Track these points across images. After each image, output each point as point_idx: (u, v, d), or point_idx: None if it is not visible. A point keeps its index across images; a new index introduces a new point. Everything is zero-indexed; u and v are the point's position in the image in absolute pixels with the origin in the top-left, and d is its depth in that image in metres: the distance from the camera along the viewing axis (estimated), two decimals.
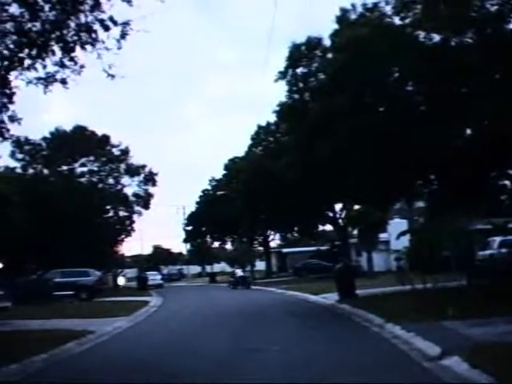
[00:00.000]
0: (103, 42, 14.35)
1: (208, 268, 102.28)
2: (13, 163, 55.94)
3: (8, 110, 15.28)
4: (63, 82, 14.88)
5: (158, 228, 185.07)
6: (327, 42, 24.54)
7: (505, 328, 12.98)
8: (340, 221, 54.07)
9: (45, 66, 14.55)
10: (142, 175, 63.14)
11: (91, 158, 60.54)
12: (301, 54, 24.31)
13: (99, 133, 60.90)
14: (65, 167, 58.88)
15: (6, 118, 15.35)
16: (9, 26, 13.79)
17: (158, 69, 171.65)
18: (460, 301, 17.84)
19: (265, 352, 13.83)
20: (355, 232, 55.21)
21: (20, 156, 56.07)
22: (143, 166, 63.14)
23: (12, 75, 14.69)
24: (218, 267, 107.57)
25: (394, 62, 21.23)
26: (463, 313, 15.44)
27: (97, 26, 14.16)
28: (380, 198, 27.26)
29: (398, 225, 51.84)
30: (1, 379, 11.59)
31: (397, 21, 22.60)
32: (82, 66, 14.84)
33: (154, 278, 67.35)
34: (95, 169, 61.26)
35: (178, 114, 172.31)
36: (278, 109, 26.54)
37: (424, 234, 37.54)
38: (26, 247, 46.92)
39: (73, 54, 14.53)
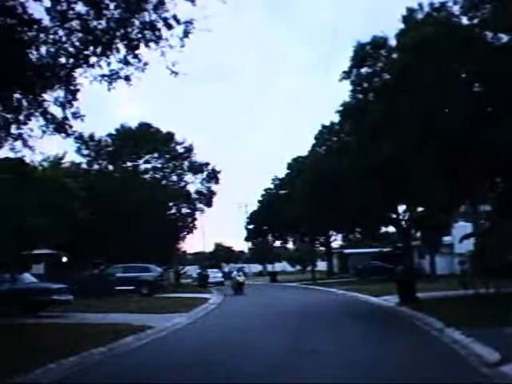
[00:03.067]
0: (167, 40, 14.46)
1: (269, 267, 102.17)
2: (78, 159, 57.29)
3: (72, 107, 15.57)
4: (127, 79, 15.08)
5: (221, 226, 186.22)
6: (393, 42, 24.19)
7: None
8: (403, 223, 53.26)
9: (109, 64, 14.76)
10: (205, 173, 63.58)
11: (155, 155, 61.24)
12: (366, 53, 24.02)
13: (164, 130, 61.70)
14: (129, 163, 59.78)
15: (69, 115, 15.64)
16: (75, 23, 14.02)
17: (229, 69, 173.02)
18: None
19: (321, 353, 13.72)
20: (418, 234, 54.35)
21: (86, 152, 57.32)
22: (206, 164, 63.57)
23: (77, 72, 14.96)
24: (279, 266, 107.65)
25: (461, 63, 20.71)
26: None
27: (160, 25, 14.27)
28: (443, 200, 26.74)
29: (462, 228, 50.83)
30: (59, 372, 11.75)
31: (464, 21, 22.09)
32: (145, 64, 15.00)
33: (214, 275, 67.71)
34: (159, 165, 61.97)
35: (245, 113, 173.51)
36: (340, 108, 26.31)
37: (489, 238, 36.79)
38: (90, 242, 47.77)
39: (137, 52, 14.70)
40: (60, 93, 15.23)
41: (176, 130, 72.08)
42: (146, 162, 61.09)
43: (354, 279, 59.23)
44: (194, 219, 64.31)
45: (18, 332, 17.52)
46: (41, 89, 14.71)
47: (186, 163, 62.80)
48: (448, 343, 14.28)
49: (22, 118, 15.32)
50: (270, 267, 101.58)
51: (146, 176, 60.88)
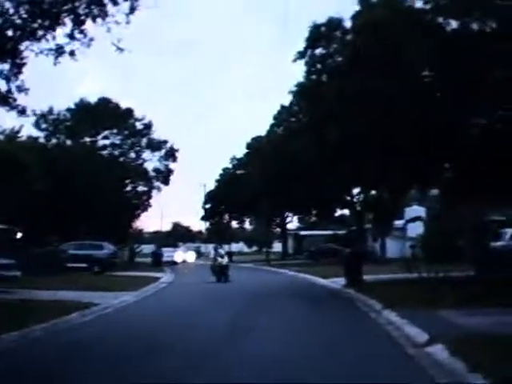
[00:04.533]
0: (113, 16, 14.51)
1: (226, 247, 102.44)
2: (36, 133, 56.68)
3: (17, 80, 15.53)
4: (72, 53, 15.10)
5: (179, 206, 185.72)
6: (348, 24, 24.24)
7: (498, 319, 13.01)
8: (357, 205, 53.85)
9: (54, 38, 14.74)
10: (164, 150, 63.40)
11: (114, 131, 60.85)
12: (320, 34, 24.06)
13: (124, 106, 61.31)
14: (87, 139, 59.32)
15: (14, 88, 15.59)
16: None
17: (190, 45, 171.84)
18: (461, 291, 17.86)
19: (254, 330, 14.14)
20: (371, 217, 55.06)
21: (44, 126, 56.71)
22: (165, 142, 63.41)
23: (23, 46, 14.91)
24: (237, 247, 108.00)
25: (411, 46, 20.90)
26: (461, 303, 15.55)
27: (107, 0, 14.32)
28: (392, 182, 27.17)
29: (415, 212, 51.76)
30: None
31: (418, 5, 22.26)
32: (91, 39, 15.04)
33: (169, 254, 67.10)
34: (117, 142, 61.60)
35: (206, 91, 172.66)
36: (294, 89, 26.41)
37: (436, 223, 37.67)
38: (45, 217, 47.41)
39: (83, 27, 14.73)
40: (5, 66, 15.19)
41: (136, 106, 71.63)
42: (105, 137, 60.71)
43: (308, 261, 59.74)
44: (149, 197, 64.24)
45: None
46: None
47: (145, 140, 62.58)
48: (383, 324, 14.71)
49: None
50: (227, 247, 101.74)
51: (104, 152, 60.45)
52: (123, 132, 61.18)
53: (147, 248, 76.36)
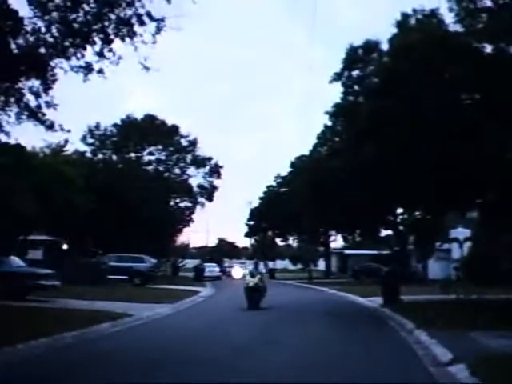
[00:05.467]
0: (141, 36, 14.91)
1: (271, 264, 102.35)
2: (83, 147, 57.99)
3: (47, 96, 16.00)
4: (100, 71, 15.49)
5: (225, 221, 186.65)
6: (385, 46, 24.32)
7: None
8: (399, 226, 53.44)
9: (83, 56, 15.15)
10: (208, 167, 63.93)
11: (159, 147, 61.66)
12: (357, 56, 24.20)
13: (169, 123, 62.09)
14: (133, 154, 60.26)
15: (42, 104, 16.05)
16: (55, 15, 14.41)
17: (238, 65, 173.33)
18: (497, 314, 17.65)
19: (281, 345, 14.20)
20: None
21: (91, 141, 57.96)
22: (209, 158, 63.98)
23: (53, 63, 15.37)
24: (282, 264, 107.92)
25: (447, 70, 20.83)
26: (494, 325, 15.36)
27: (134, 20, 14.70)
28: (432, 206, 26.95)
29: (459, 234, 51.08)
30: (24, 352, 12.07)
31: (452, 29, 22.19)
32: (119, 58, 15.43)
33: (211, 269, 67.43)
34: (162, 158, 62.37)
35: (252, 110, 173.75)
36: (330, 110, 26.50)
37: (478, 246, 37.09)
38: (89, 230, 48.19)
39: (112, 46, 15.12)
40: (35, 82, 15.66)
41: (182, 123, 72.58)
42: (150, 153, 61.58)
43: (350, 280, 59.41)
44: (192, 212, 64.78)
45: None
46: (17, 77, 15.11)
47: (190, 157, 63.22)
48: (411, 343, 14.62)
49: None
50: (271, 264, 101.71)
51: (149, 168, 61.31)
52: (168, 148, 61.95)
53: (192, 263, 76.80)
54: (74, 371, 10.61)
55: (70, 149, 50.64)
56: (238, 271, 71.42)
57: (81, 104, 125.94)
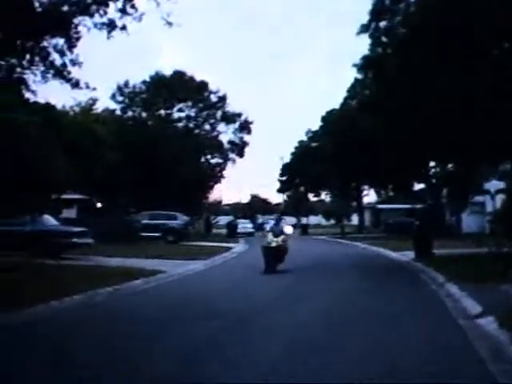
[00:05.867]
0: None
1: (304, 219, 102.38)
2: (113, 105, 58.25)
3: (72, 54, 16.02)
4: (123, 28, 15.43)
5: (258, 177, 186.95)
6: None
7: None
8: (433, 179, 52.92)
9: (105, 13, 15.09)
10: (238, 123, 63.72)
11: (189, 104, 61.49)
12: (384, 7, 23.64)
13: (198, 78, 61.83)
14: (162, 111, 60.25)
15: (67, 62, 16.09)
16: None
17: (269, 19, 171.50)
18: None
19: (308, 300, 14.27)
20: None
21: (120, 99, 58.10)
22: (239, 114, 63.71)
23: (77, 21, 15.33)
24: (315, 219, 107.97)
25: (483, 15, 20.16)
26: None
27: None
28: (465, 157, 26.57)
29: (494, 186, 50.40)
30: (58, 308, 12.29)
31: None
32: (142, 14, 15.38)
33: (244, 226, 67.68)
34: (192, 114, 62.27)
35: (283, 64, 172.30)
36: (357, 62, 26.02)
37: (510, 198, 36.34)
38: (121, 189, 48.62)
39: (134, 2, 15.06)
40: (60, 40, 15.67)
41: (211, 79, 72.24)
42: (180, 110, 61.47)
43: (383, 235, 59.22)
44: (223, 169, 64.86)
45: (32, 270, 18.14)
46: (42, 35, 15.10)
47: (219, 113, 63.04)
48: (441, 296, 14.57)
49: (25, 63, 15.79)
50: (304, 220, 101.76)
51: (179, 124, 61.29)
52: (198, 105, 61.74)
53: (225, 219, 77.17)
54: (101, 325, 10.85)
55: (99, 107, 50.90)
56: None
57: (110, 62, 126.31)
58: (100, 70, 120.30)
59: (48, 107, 32.40)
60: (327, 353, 8.36)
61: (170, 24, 15.41)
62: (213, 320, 10.94)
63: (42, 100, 31.07)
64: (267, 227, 22.02)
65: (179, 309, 12.71)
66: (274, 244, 20.82)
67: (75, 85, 16.60)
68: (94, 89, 17.96)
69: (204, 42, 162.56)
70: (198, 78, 61.75)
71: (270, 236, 21.05)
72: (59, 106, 40.02)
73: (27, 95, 18.40)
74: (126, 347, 8.76)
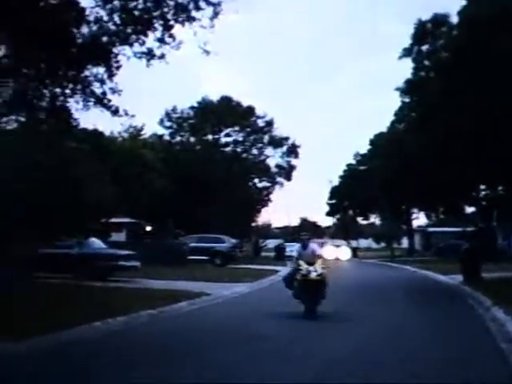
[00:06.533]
0: (200, 20, 15.12)
1: (353, 243, 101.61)
2: (161, 131, 59.21)
3: (112, 82, 16.45)
4: (161, 57, 15.78)
5: (306, 201, 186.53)
6: (455, 19, 23.61)
7: None
8: (483, 202, 52.08)
9: (144, 42, 15.44)
10: (285, 147, 63.91)
11: (236, 129, 61.96)
12: (426, 30, 23.62)
13: (245, 104, 62.32)
14: (210, 136, 60.86)
15: (107, 90, 16.49)
16: (116, 3, 14.74)
17: (313, 44, 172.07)
18: None
19: (361, 321, 14.42)
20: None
21: (168, 124, 59.00)
22: (286, 138, 63.90)
23: (116, 50, 15.73)
24: (365, 243, 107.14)
25: None
26: None
27: (191, 6, 14.91)
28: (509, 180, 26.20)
29: None
30: (100, 329, 12.45)
31: None
32: (180, 43, 15.71)
33: (292, 249, 67.02)
34: (240, 139, 62.69)
35: (325, 89, 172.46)
36: (399, 86, 26.01)
37: None
38: (170, 212, 49.06)
39: (172, 31, 15.39)
40: (100, 69, 16.08)
41: (257, 104, 72.56)
42: (227, 135, 61.97)
43: (434, 258, 58.42)
44: (269, 193, 64.95)
45: (78, 292, 18.44)
46: (83, 65, 15.51)
47: (267, 137, 63.34)
48: (486, 320, 14.41)
49: (67, 91, 16.24)
50: (354, 243, 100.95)
51: (227, 149, 61.79)
52: (245, 129, 62.18)
53: (274, 243, 77.03)
54: (143, 346, 11.00)
55: (147, 132, 51.71)
56: (330, 251, 70.03)
57: (158, 88, 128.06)
58: (148, 96, 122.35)
59: (96, 134, 33.04)
60: None
61: (207, 52, 15.74)
62: (252, 342, 10.97)
63: (90, 126, 31.76)
64: (294, 253, 16.70)
65: (219, 331, 12.75)
66: (313, 275, 14.99)
67: (115, 112, 16.96)
68: (133, 116, 18.31)
69: (249, 67, 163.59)
70: (245, 103, 62.37)
71: (304, 265, 15.08)
72: (107, 133, 40.73)
73: (75, 123, 18.81)
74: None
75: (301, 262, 15.21)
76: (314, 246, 16.13)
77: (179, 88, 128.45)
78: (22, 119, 19.76)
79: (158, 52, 15.88)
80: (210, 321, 14.95)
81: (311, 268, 15.01)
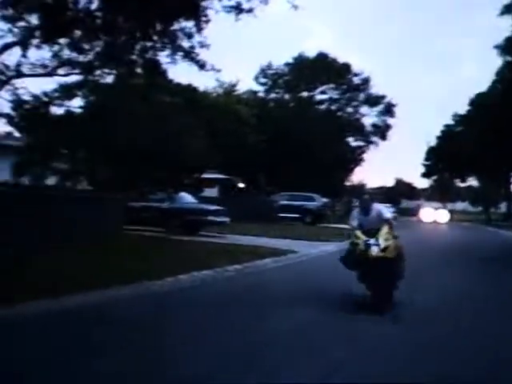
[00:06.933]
0: None
1: (449, 205, 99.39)
2: (256, 87, 59.16)
3: (200, 36, 16.40)
4: (249, 11, 15.60)
5: (402, 161, 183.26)
6: None
7: None
8: None
9: None
10: (381, 105, 62.65)
11: (331, 86, 61.11)
12: None
13: (341, 60, 61.20)
14: (305, 93, 60.28)
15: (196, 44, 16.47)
16: None
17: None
18: None
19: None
20: None
21: (263, 80, 58.80)
22: (383, 97, 62.58)
23: (204, 4, 15.62)
24: (462, 205, 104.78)
25: None
26: None
27: None
28: None
29: None
30: (185, 281, 12.64)
31: None
32: None
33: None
34: (335, 97, 61.83)
35: (427, 47, 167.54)
36: (501, 44, 24.78)
37: None
38: (262, 169, 49.21)
39: None
40: (188, 24, 16.03)
41: (356, 61, 71.27)
42: (322, 92, 61.23)
43: None
44: (363, 152, 64.05)
45: (166, 246, 18.78)
46: (171, 19, 15.49)
47: (362, 95, 62.21)
48: None
49: (158, 45, 16.30)
50: (449, 206, 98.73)
51: (321, 107, 61.10)
52: (341, 87, 61.21)
53: None
54: (222, 299, 11.10)
55: (241, 88, 51.71)
56: (428, 213, 68.76)
57: (258, 44, 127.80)
58: (246, 52, 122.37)
59: (190, 88, 33.23)
60: None
61: (295, 7, 15.48)
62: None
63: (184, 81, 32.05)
64: (353, 221, 11.22)
65: (296, 288, 12.69)
66: (374, 251, 10.42)
67: (202, 66, 16.97)
68: (219, 70, 18.29)
69: (351, 23, 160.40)
70: (343, 59, 61.25)
71: (361, 237, 10.59)
72: (202, 88, 40.89)
73: (167, 77, 19.05)
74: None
75: (358, 233, 10.67)
76: (378, 208, 11.47)
77: (278, 45, 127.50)
78: (115, 73, 20.05)
79: (246, 6, 15.74)
80: (290, 277, 14.95)
81: (372, 240, 10.37)
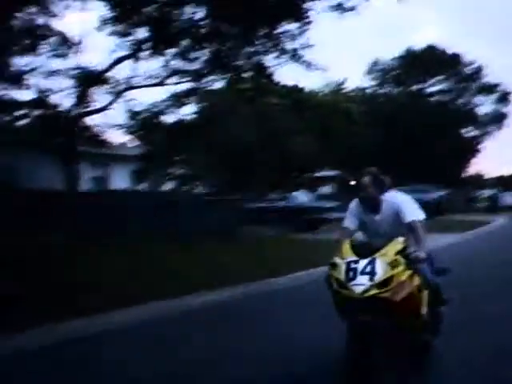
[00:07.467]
0: None
1: None
2: (365, 83, 59.12)
3: (303, 38, 16.71)
4: (351, 9, 15.74)
5: None
6: None
7: None
8: None
9: None
10: (496, 94, 60.72)
11: (442, 78, 59.90)
12: None
13: (451, 51, 59.88)
14: (414, 87, 59.47)
15: (298, 46, 16.78)
16: None
17: None
18: None
19: None
20: None
21: (372, 76, 58.54)
22: (497, 85, 60.62)
23: (306, 6, 15.87)
24: None
25: None
26: None
27: None
28: None
29: None
30: (291, 280, 13.14)
31: None
32: None
33: (506, 199, 63.13)
34: (446, 88, 60.55)
35: None
36: None
37: None
38: (375, 165, 48.93)
39: None
40: (291, 26, 16.33)
41: (470, 50, 69.14)
42: (432, 85, 60.12)
43: None
44: (478, 142, 62.19)
45: (286, 245, 19.17)
46: (275, 23, 15.83)
47: (475, 85, 60.53)
48: None
49: (262, 49, 16.69)
50: None
51: (432, 99, 59.99)
52: (452, 78, 59.85)
53: (488, 193, 73.85)
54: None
55: (349, 86, 51.76)
56: None
57: (364, 40, 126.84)
58: (352, 49, 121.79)
59: (296, 89, 33.60)
60: None
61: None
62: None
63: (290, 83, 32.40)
64: (347, 220, 6.77)
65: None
66: (360, 288, 5.35)
67: (308, 66, 17.24)
68: (324, 69, 18.53)
69: (460, 10, 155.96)
70: (452, 50, 59.81)
71: (346, 254, 5.71)
72: (308, 89, 41.19)
73: (274, 79, 19.47)
74: None
75: (345, 247, 5.83)
76: (396, 200, 6.61)
77: (384, 39, 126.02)
78: (223, 78, 20.64)
79: (349, 4, 15.90)
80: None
81: (360, 263, 5.52)
